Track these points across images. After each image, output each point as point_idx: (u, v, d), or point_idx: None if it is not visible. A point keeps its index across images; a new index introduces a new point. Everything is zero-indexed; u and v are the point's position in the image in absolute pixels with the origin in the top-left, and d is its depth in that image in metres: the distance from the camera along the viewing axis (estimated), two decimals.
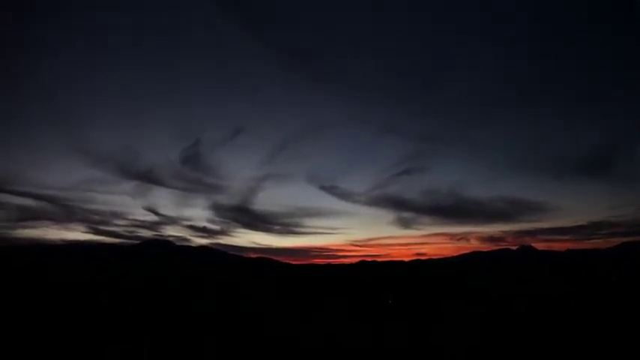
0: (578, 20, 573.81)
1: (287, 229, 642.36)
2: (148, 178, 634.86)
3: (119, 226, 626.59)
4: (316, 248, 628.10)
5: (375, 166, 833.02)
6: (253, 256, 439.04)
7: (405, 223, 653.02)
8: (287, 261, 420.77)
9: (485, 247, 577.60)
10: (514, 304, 42.92)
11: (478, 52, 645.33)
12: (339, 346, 26.70)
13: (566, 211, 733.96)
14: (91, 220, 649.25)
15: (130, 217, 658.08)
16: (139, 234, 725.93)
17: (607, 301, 34.54)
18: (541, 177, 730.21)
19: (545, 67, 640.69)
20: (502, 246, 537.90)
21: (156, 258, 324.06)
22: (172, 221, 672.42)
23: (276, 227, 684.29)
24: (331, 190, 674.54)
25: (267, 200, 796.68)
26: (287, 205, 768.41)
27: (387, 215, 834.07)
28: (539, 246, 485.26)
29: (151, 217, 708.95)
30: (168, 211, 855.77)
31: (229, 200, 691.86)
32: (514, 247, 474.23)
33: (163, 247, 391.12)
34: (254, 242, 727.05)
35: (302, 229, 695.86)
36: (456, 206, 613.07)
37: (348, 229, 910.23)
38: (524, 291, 56.08)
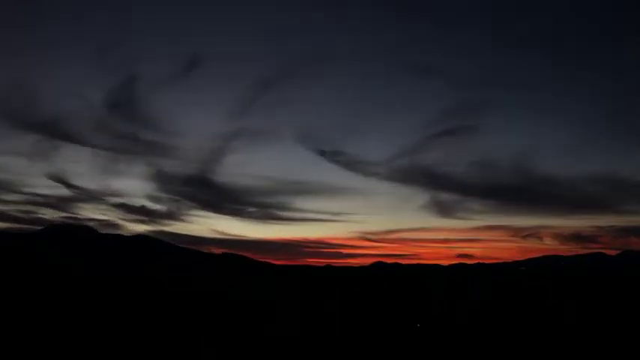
0: None
1: (267, 213, 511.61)
2: (55, 130, 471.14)
3: (9, 204, 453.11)
4: (311, 242, 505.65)
5: (401, 123, 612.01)
6: (217, 251, 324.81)
7: (444, 210, 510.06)
8: (267, 260, 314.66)
9: (567, 249, 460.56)
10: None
11: None
12: None
13: None
14: None
15: (27, 189, 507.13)
16: (39, 215, 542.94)
17: None
18: None
19: None
20: (593, 249, 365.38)
21: (66, 251, 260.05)
22: (93, 197, 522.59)
23: (251, 209, 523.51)
24: (334, 156, 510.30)
25: (237, 169, 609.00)
26: (268, 178, 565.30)
27: (417, 196, 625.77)
28: None
29: (60, 191, 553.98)
30: (87, 181, 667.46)
31: (181, 168, 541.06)
32: (612, 252, 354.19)
33: (78, 236, 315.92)
34: (218, 231, 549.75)
35: (290, 214, 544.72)
36: (522, 187, 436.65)
37: (358, 216, 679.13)
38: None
